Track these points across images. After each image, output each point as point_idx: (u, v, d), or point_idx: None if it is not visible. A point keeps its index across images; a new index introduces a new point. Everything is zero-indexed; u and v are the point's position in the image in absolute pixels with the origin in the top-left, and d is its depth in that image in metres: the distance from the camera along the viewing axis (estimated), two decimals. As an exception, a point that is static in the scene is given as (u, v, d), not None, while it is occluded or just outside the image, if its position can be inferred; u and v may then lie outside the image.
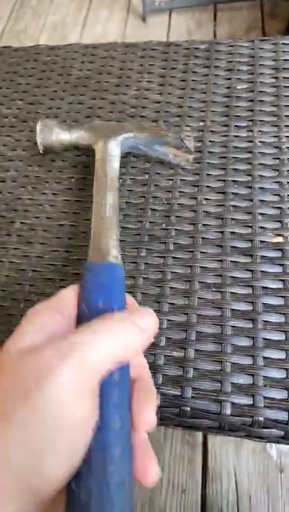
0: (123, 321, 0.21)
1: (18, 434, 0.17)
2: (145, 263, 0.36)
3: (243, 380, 0.30)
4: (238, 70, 0.47)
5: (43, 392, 0.17)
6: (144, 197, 0.40)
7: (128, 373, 0.22)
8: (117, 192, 0.33)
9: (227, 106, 0.45)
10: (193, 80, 0.48)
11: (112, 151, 0.36)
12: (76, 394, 0.18)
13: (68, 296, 0.24)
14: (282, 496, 0.70)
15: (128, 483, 0.19)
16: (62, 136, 0.38)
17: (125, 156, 0.42)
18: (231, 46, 0.49)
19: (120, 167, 0.41)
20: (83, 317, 0.23)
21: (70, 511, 0.18)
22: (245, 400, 0.29)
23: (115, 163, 0.35)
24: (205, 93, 0.46)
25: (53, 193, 0.42)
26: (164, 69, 0.49)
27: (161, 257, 0.36)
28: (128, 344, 0.20)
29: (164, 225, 0.38)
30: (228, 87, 0.46)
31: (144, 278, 0.35)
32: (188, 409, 0.30)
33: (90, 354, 0.18)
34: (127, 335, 0.20)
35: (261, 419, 0.29)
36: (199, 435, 0.78)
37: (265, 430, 0.29)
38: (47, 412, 0.17)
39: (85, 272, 0.26)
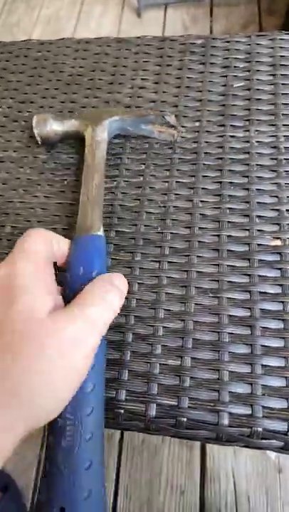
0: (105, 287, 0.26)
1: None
2: (140, 268, 0.35)
3: (241, 389, 0.29)
4: (235, 66, 0.46)
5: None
6: (139, 199, 0.39)
7: (104, 341, 0.27)
8: (104, 174, 0.37)
9: (223, 105, 0.44)
10: (188, 78, 0.46)
11: (99, 136, 0.39)
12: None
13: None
14: (281, 497, 0.70)
15: (97, 413, 0.24)
16: (56, 126, 0.41)
17: (115, 150, 0.41)
18: (228, 42, 0.48)
19: (113, 169, 0.40)
20: (66, 283, 0.28)
21: (50, 435, 0.23)
22: (243, 410, 0.29)
23: (103, 147, 0.38)
24: (201, 91, 0.45)
25: (45, 196, 0.41)
26: (159, 66, 0.48)
27: (156, 261, 0.35)
28: (114, 305, 0.26)
29: (159, 229, 0.37)
30: (224, 85, 0.45)
31: (138, 283, 0.34)
32: (185, 419, 0.29)
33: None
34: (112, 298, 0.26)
35: (260, 429, 0.28)
36: (197, 436, 0.78)
37: (264, 441, 0.28)
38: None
39: (72, 246, 0.30)
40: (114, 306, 0.26)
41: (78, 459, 0.22)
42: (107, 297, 0.25)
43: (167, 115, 0.40)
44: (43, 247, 0.27)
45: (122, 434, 0.81)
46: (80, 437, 0.22)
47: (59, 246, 0.29)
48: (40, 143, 0.42)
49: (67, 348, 0.22)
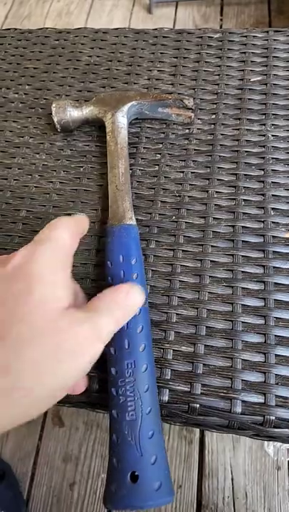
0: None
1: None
2: (154, 255, 0.35)
3: (254, 377, 0.30)
4: (252, 61, 0.46)
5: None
6: (154, 188, 0.39)
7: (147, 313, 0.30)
8: (128, 160, 0.38)
9: (239, 99, 0.44)
10: (205, 71, 0.46)
11: (120, 122, 0.39)
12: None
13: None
14: (279, 493, 0.70)
15: (152, 389, 0.27)
16: (75, 113, 0.41)
17: (131, 139, 0.41)
18: (245, 37, 0.48)
19: (129, 158, 0.40)
20: (108, 272, 0.31)
21: (113, 410, 0.26)
22: (256, 398, 0.29)
23: (124, 133, 0.39)
24: (217, 85, 0.45)
25: (60, 182, 0.41)
26: (176, 58, 0.48)
27: (170, 249, 0.35)
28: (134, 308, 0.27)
29: (174, 218, 0.37)
30: (241, 79, 0.45)
31: (152, 271, 0.35)
32: (198, 406, 0.29)
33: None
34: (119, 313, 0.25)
35: (272, 418, 0.28)
36: (196, 431, 0.78)
37: (276, 430, 0.28)
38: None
39: (107, 235, 0.33)
40: (119, 322, 0.25)
41: (142, 430, 0.25)
42: (114, 312, 0.25)
43: (186, 99, 0.41)
44: (70, 240, 0.25)
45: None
46: (142, 411, 0.25)
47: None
48: (59, 130, 0.42)
49: (74, 348, 0.22)
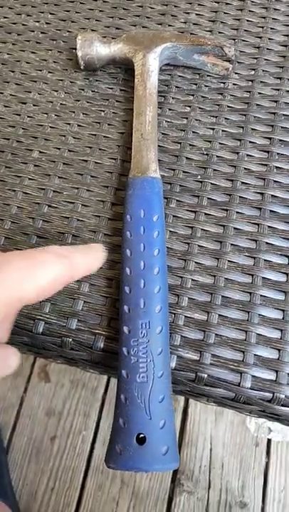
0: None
1: None
2: (174, 215, 0.33)
3: (267, 353, 0.28)
4: (300, 17, 0.42)
5: None
6: (180, 143, 0.36)
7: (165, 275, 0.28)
8: (157, 107, 0.35)
9: (283, 56, 0.40)
10: (248, 21, 0.42)
11: (150, 65, 0.36)
12: None
13: None
14: (254, 468, 0.72)
15: (165, 353, 0.26)
16: (102, 49, 0.37)
17: (159, 87, 0.38)
18: (296, -11, 0.44)
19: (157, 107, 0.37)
20: (127, 228, 0.29)
21: (123, 370, 0.25)
22: (267, 375, 0.27)
23: (154, 77, 0.35)
24: (260, 38, 0.41)
25: (78, 125, 0.37)
26: (218, 3, 0.43)
27: (192, 211, 0.33)
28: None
29: (199, 177, 0.34)
30: (287, 35, 0.41)
31: (170, 232, 0.32)
32: (205, 376, 0.27)
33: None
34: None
35: (282, 396, 0.27)
36: (181, 400, 0.79)
37: (283, 408, 0.27)
38: None
39: (128, 186, 0.30)
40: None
41: (153, 393, 0.24)
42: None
43: (226, 46, 0.37)
44: (33, 293, 0.22)
45: (106, 389, 0.81)
46: (153, 374, 0.24)
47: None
48: (82, 67, 0.38)
49: None
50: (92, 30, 0.43)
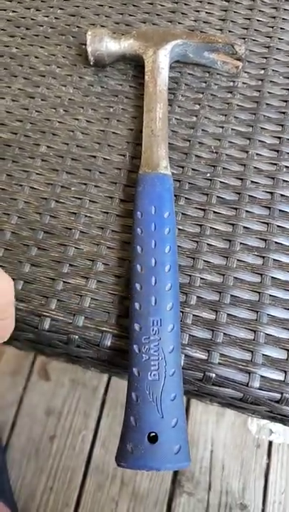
0: None
1: None
2: (183, 213, 0.32)
3: (276, 353, 0.28)
4: (311, 17, 0.42)
5: None
6: (190, 141, 0.36)
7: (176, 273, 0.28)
8: (167, 104, 0.34)
9: (293, 56, 0.40)
10: (258, 21, 0.42)
11: (161, 61, 0.35)
12: None
13: None
14: (255, 470, 0.72)
15: (177, 351, 0.25)
16: (112, 45, 0.36)
17: (169, 84, 0.37)
18: (306, -11, 0.44)
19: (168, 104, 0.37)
20: (138, 224, 0.28)
21: (134, 368, 0.24)
22: (275, 375, 0.27)
23: (165, 74, 0.35)
24: (270, 38, 0.41)
25: (87, 121, 0.37)
26: (228, 1, 0.43)
27: (201, 209, 0.33)
28: None
29: (208, 175, 0.34)
30: (297, 35, 0.41)
31: (179, 229, 0.32)
32: (213, 375, 0.27)
33: None
34: None
35: (291, 397, 0.26)
36: (182, 401, 0.78)
37: (292, 409, 0.27)
38: None
39: (138, 183, 0.30)
40: None
41: (165, 391, 0.23)
42: None
43: (237, 45, 0.36)
44: None
45: (106, 388, 0.81)
46: (165, 372, 0.24)
47: None
48: (91, 63, 0.37)
49: None
50: (102, 26, 0.42)
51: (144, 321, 0.25)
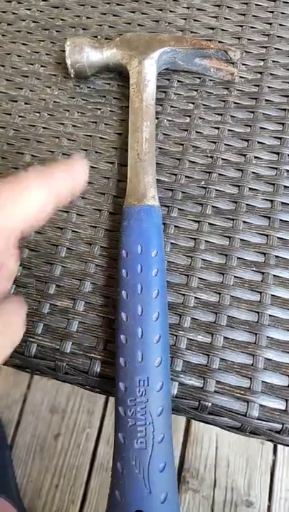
0: None
1: None
2: (175, 226, 0.30)
3: (276, 379, 0.26)
4: (315, 0, 0.38)
5: None
6: (183, 145, 0.33)
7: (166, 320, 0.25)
8: (154, 121, 0.31)
9: (296, 44, 0.36)
10: (257, 5, 0.38)
11: (147, 73, 0.32)
12: None
13: None
14: (261, 466, 0.71)
15: (166, 413, 0.23)
16: (94, 55, 0.33)
17: (160, 81, 0.35)
18: None
19: (156, 104, 0.34)
20: (123, 265, 0.26)
21: (119, 433, 0.22)
22: (276, 404, 0.25)
23: (152, 86, 0.32)
24: (270, 24, 0.37)
25: (73, 125, 0.35)
26: (224, -14, 0.40)
27: (195, 221, 0.30)
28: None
29: (202, 183, 0.32)
30: (300, 21, 0.37)
31: (172, 244, 0.30)
32: (209, 404, 0.25)
33: None
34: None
35: (292, 427, 0.25)
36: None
37: (294, 440, 0.25)
38: None
39: (124, 217, 0.28)
40: None
41: (152, 462, 0.21)
42: None
43: (231, 51, 0.33)
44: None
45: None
46: (153, 439, 0.22)
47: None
48: (72, 75, 0.34)
49: None
50: (88, 17, 0.39)
51: (130, 381, 0.23)
